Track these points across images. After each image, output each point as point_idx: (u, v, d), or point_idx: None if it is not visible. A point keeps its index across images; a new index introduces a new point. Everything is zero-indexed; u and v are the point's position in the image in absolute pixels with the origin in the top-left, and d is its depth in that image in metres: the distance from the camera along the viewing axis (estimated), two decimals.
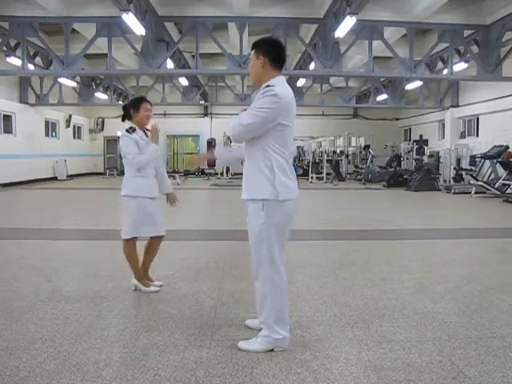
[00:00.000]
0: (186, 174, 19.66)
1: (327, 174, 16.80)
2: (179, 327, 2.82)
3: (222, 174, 18.89)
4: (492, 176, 12.33)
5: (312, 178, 16.51)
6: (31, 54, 12.25)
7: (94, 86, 16.84)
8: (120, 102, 18.42)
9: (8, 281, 3.78)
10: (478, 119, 14.68)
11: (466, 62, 11.86)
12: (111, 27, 10.44)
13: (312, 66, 12.29)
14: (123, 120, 3.59)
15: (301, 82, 15.83)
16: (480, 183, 11.69)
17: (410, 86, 15.03)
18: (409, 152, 16.65)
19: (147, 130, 3.60)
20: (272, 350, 2.47)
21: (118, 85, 17.31)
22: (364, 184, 15.54)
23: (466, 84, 15.05)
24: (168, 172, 16.18)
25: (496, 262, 4.62)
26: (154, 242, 3.59)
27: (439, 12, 10.02)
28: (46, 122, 16.88)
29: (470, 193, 11.80)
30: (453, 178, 13.87)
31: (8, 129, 14.50)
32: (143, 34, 9.95)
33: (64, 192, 12.84)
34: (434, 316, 3.02)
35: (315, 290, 3.58)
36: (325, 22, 10.70)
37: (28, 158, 15.08)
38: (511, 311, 3.11)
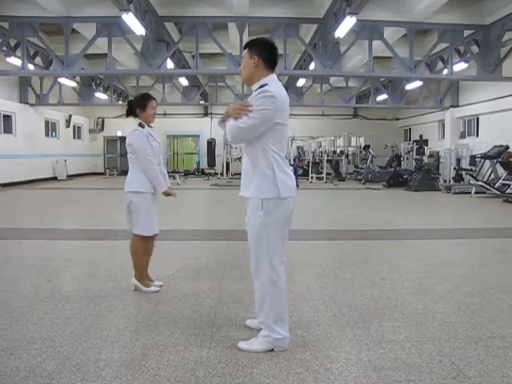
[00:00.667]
0: (186, 174, 19.67)
1: (327, 173, 16.81)
2: (179, 327, 2.82)
3: (221, 173, 18.90)
4: (492, 176, 12.33)
5: (312, 177, 16.51)
6: (31, 54, 12.25)
7: (94, 86, 16.84)
8: (120, 102, 18.43)
9: (8, 281, 3.77)
10: (477, 119, 14.68)
11: (466, 62, 11.86)
12: (111, 27, 10.44)
13: (312, 66, 12.28)
14: (127, 115, 3.55)
15: (301, 82, 15.83)
16: (480, 183, 11.69)
17: (409, 86, 15.02)
18: (409, 152, 16.66)
19: (150, 127, 3.59)
20: (272, 350, 2.47)
21: (118, 85, 17.31)
22: (364, 184, 15.54)
23: (466, 84, 15.05)
24: (168, 172, 16.28)
25: (496, 261, 4.62)
26: (151, 240, 3.57)
27: (439, 12, 10.01)
28: (46, 122, 16.88)
29: (470, 193, 11.79)
30: (453, 177, 13.87)
31: (8, 129, 14.49)
32: (143, 33, 9.95)
33: (64, 192, 12.84)
34: (433, 316, 3.02)
35: (315, 290, 3.58)
36: (325, 21, 10.69)
37: (28, 158, 15.07)
38: (511, 311, 3.11)
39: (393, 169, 15.73)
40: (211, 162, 19.56)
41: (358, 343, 2.59)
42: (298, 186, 13.87)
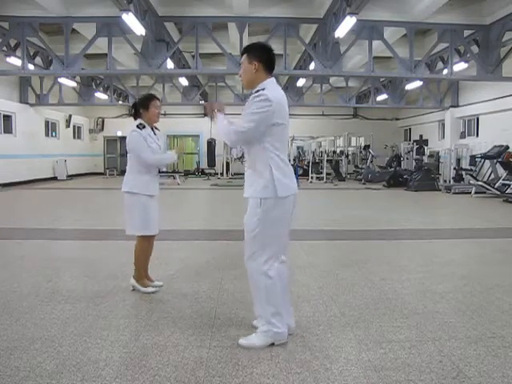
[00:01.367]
0: (186, 173, 19.66)
1: (327, 173, 16.80)
2: (179, 327, 2.82)
3: (222, 173, 18.90)
4: (492, 176, 12.33)
5: (312, 177, 16.50)
6: (31, 54, 12.25)
7: (94, 86, 16.84)
8: (120, 102, 18.44)
9: (8, 281, 3.77)
10: (478, 119, 14.67)
11: (466, 62, 11.86)
12: (111, 27, 10.44)
13: (312, 66, 12.28)
14: (135, 118, 3.55)
15: (301, 82, 15.83)
16: (480, 183, 11.69)
17: (409, 86, 15.02)
18: (409, 152, 16.65)
19: (155, 128, 3.60)
20: (273, 344, 2.51)
21: (118, 85, 17.31)
22: (364, 184, 15.54)
23: (466, 84, 15.04)
24: (168, 172, 16.35)
25: (496, 261, 4.62)
26: (151, 240, 3.58)
27: (439, 12, 10.01)
28: (46, 122, 16.87)
29: (470, 193, 11.79)
30: (453, 177, 13.86)
31: (8, 129, 14.49)
32: (143, 33, 9.95)
33: (64, 192, 12.84)
34: (433, 316, 3.02)
35: (315, 290, 3.58)
36: (325, 21, 10.69)
37: (28, 158, 15.07)
38: (511, 311, 3.11)
39: (393, 169, 15.73)
40: (211, 162, 19.56)
41: (358, 343, 2.59)
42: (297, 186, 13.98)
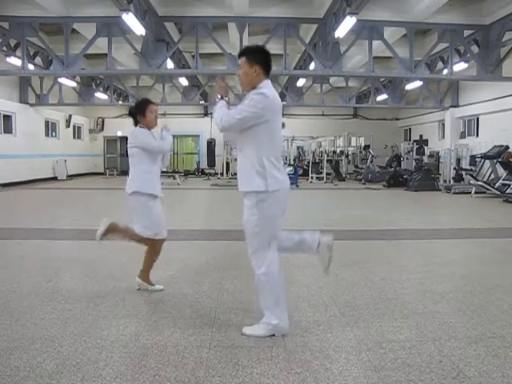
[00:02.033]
0: (186, 173, 19.66)
1: (327, 173, 16.80)
2: (179, 327, 2.82)
3: (221, 173, 18.90)
4: (492, 176, 12.32)
5: (312, 177, 16.50)
6: (31, 54, 12.25)
7: (94, 86, 16.84)
8: (120, 102, 18.43)
9: (8, 281, 3.77)
10: (478, 119, 14.67)
11: (466, 62, 11.87)
12: (111, 27, 10.45)
13: (312, 66, 12.28)
14: (135, 125, 3.51)
15: (301, 82, 15.83)
16: (480, 183, 11.69)
17: (409, 86, 15.02)
18: (409, 152, 16.65)
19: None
20: (273, 335, 2.63)
21: (118, 85, 17.31)
22: (364, 184, 15.54)
23: (466, 84, 15.04)
24: (168, 172, 16.33)
25: (496, 261, 4.62)
26: (158, 245, 3.52)
27: (439, 12, 10.02)
28: (46, 122, 16.87)
29: (470, 193, 11.79)
30: (453, 177, 13.86)
31: (8, 129, 14.49)
32: (143, 33, 9.95)
33: (64, 192, 12.84)
34: (433, 316, 3.02)
35: (315, 290, 3.58)
36: (325, 21, 10.69)
37: (28, 158, 15.07)
38: (511, 311, 3.11)
39: (393, 169, 15.73)
40: (211, 162, 19.56)
41: (358, 343, 2.59)
42: (297, 185, 14.01)
